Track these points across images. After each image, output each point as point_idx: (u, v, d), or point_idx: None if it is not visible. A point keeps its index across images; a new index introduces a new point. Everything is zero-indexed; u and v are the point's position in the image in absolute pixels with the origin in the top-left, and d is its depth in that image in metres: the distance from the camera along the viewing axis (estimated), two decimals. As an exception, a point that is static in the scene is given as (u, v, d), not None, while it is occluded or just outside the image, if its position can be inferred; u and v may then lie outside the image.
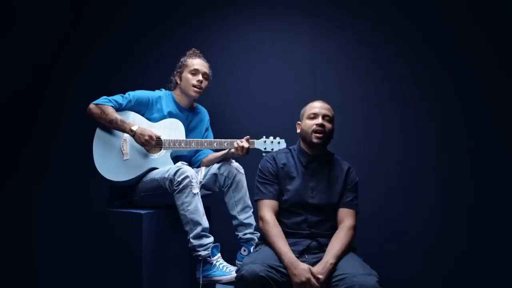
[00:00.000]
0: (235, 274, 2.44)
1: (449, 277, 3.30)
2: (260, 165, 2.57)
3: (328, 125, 2.52)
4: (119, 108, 2.85)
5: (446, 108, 3.44)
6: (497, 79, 3.40)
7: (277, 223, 2.40)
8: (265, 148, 2.88)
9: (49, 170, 3.73)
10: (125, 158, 2.82)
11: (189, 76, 2.96)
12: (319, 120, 2.49)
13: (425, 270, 3.32)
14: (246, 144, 2.82)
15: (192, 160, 3.03)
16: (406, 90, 3.49)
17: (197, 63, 3.00)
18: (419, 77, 3.48)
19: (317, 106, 2.55)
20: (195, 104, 3.12)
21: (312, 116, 2.52)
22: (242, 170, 2.87)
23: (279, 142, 2.90)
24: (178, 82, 3.00)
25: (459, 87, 3.44)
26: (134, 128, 2.79)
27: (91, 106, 2.81)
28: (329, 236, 2.40)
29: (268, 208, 2.44)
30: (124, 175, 2.80)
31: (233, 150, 2.83)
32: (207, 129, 3.11)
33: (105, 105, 2.81)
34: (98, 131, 2.85)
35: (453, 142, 3.40)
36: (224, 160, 2.91)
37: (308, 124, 2.51)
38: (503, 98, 3.37)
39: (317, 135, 2.48)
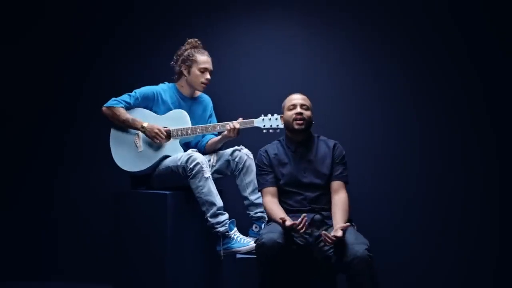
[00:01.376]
0: (253, 244, 2.78)
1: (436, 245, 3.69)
2: (256, 160, 2.93)
3: (306, 113, 2.85)
4: (128, 107, 3.11)
5: (435, 102, 3.76)
6: (495, 78, 3.70)
7: (273, 202, 2.78)
8: (264, 126, 3.09)
9: (79, 161, 4.13)
10: (139, 150, 3.11)
11: (198, 73, 3.16)
12: (298, 109, 2.84)
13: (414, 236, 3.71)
14: (237, 125, 3.07)
15: (197, 146, 3.28)
16: (397, 80, 3.81)
17: (206, 60, 3.19)
18: (408, 67, 3.81)
19: (295, 98, 2.90)
20: (198, 93, 3.33)
21: (291, 107, 2.86)
22: (251, 156, 3.14)
23: (276, 118, 3.09)
24: (186, 75, 3.19)
25: (451, 80, 3.74)
26: (144, 124, 3.07)
27: (103, 109, 3.09)
28: (329, 209, 2.74)
29: (267, 194, 2.81)
30: (140, 165, 3.10)
31: (226, 132, 3.09)
32: (210, 115, 3.34)
33: (116, 107, 3.08)
34: (113, 130, 3.16)
35: (444, 134, 3.75)
36: (223, 143, 3.19)
37: (288, 115, 2.86)
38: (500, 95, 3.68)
39: (298, 122, 2.81)
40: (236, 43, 3.98)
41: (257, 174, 2.91)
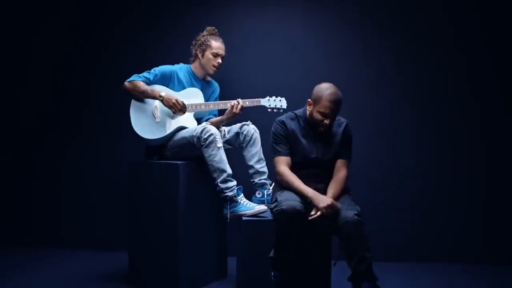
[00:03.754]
0: (258, 208, 3.11)
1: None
2: (273, 129, 3.04)
3: (332, 121, 2.94)
4: (148, 82, 3.40)
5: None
6: (494, 78, 4.06)
7: (290, 172, 2.96)
8: (269, 105, 3.47)
9: (95, 132, 4.38)
10: (157, 120, 3.40)
11: (211, 57, 3.51)
12: (327, 122, 2.91)
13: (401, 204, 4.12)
14: (241, 102, 3.39)
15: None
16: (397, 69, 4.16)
17: (219, 46, 3.54)
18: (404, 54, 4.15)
19: (330, 108, 2.87)
20: (209, 78, 3.67)
21: (322, 114, 2.88)
22: (257, 131, 3.47)
23: (280, 100, 3.48)
24: (200, 58, 3.53)
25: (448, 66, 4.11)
26: (162, 94, 3.37)
27: (126, 83, 3.37)
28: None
29: (283, 163, 2.98)
30: (158, 133, 3.38)
31: (229, 108, 3.39)
32: (216, 99, 3.69)
33: (137, 80, 3.37)
34: (133, 101, 3.42)
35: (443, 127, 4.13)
36: (225, 121, 3.49)
37: (317, 117, 2.90)
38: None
39: (322, 129, 2.94)
40: (242, 28, 4.25)
41: (273, 142, 3.02)
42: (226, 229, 3.57)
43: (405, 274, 3.72)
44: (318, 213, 2.73)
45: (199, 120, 3.54)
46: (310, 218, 2.75)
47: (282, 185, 3.01)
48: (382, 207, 4.06)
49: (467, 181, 4.06)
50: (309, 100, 2.98)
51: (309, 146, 3.01)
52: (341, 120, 3.09)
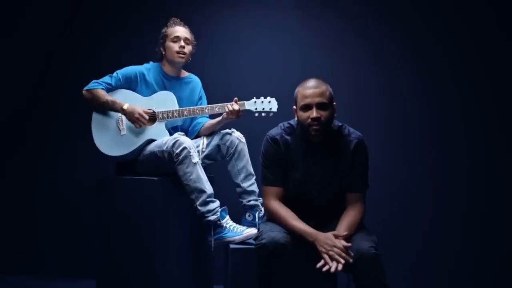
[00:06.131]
0: (248, 233, 2.63)
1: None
2: (263, 148, 2.47)
3: (324, 113, 2.30)
4: (110, 89, 2.93)
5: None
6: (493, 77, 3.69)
7: (283, 206, 2.38)
8: (256, 109, 2.93)
9: (62, 147, 3.98)
10: (122, 134, 2.91)
11: (171, 44, 3.01)
12: (314, 113, 2.28)
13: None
14: (236, 106, 2.89)
15: (190, 130, 3.11)
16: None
17: (178, 30, 3.05)
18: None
19: (309, 95, 2.31)
20: (186, 74, 3.17)
21: (304, 107, 2.31)
22: (243, 139, 2.96)
23: (269, 101, 2.93)
24: (163, 52, 3.06)
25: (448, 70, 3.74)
26: (125, 107, 2.88)
27: (83, 92, 2.91)
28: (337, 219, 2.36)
29: (273, 194, 2.41)
30: (122, 149, 2.90)
31: (225, 114, 2.92)
32: (200, 98, 3.17)
33: (96, 88, 2.89)
34: (94, 113, 2.96)
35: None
36: (222, 125, 3.00)
37: (303, 116, 2.32)
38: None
39: (314, 127, 2.30)
40: (227, 24, 3.86)
41: (262, 165, 2.46)
42: (211, 254, 3.10)
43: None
44: (330, 263, 2.14)
45: (177, 129, 3.04)
46: (318, 267, 2.17)
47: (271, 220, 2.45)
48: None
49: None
50: (294, 107, 2.44)
51: (310, 171, 2.41)
52: (352, 135, 2.42)
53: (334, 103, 2.39)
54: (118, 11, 3.92)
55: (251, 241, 2.61)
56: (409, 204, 3.67)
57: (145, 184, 2.81)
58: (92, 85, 2.90)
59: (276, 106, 2.93)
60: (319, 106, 2.29)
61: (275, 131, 2.48)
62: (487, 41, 3.68)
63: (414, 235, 3.65)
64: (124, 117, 2.91)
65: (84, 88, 2.91)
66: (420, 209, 3.67)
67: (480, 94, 3.69)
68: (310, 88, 2.32)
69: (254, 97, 2.96)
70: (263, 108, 2.93)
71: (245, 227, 2.73)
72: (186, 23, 3.14)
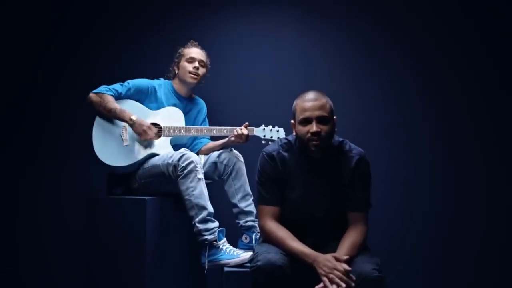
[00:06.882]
0: (244, 257, 2.51)
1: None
2: (259, 165, 2.33)
3: (324, 128, 2.19)
4: (118, 97, 2.86)
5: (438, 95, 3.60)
6: (492, 78, 3.60)
7: (280, 226, 2.23)
8: (264, 136, 2.93)
9: (45, 161, 3.66)
10: (124, 144, 2.82)
11: (186, 64, 3.02)
12: (313, 128, 2.17)
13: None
14: (245, 131, 2.86)
15: (190, 149, 3.02)
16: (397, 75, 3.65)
17: (194, 51, 3.07)
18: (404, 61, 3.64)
19: (308, 108, 2.19)
20: (194, 95, 3.17)
21: (304, 121, 2.20)
22: (241, 158, 2.91)
23: (278, 131, 2.96)
24: (176, 71, 3.07)
25: (449, 76, 3.61)
26: (133, 117, 2.80)
27: (91, 95, 2.82)
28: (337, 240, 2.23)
29: (269, 214, 2.26)
30: (123, 160, 2.80)
31: (233, 138, 2.88)
32: (204, 119, 3.15)
33: (105, 93, 2.82)
34: (98, 118, 2.85)
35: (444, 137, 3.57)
36: (224, 148, 2.95)
37: (302, 131, 2.21)
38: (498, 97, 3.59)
39: (314, 142, 2.18)
40: (231, 42, 3.73)
41: (258, 183, 2.32)
42: (205, 278, 2.94)
43: None
44: (329, 286, 1.99)
45: (179, 147, 2.93)
46: None
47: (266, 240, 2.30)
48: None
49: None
50: (292, 121, 2.32)
51: (308, 189, 2.28)
52: (353, 151, 2.30)
53: (335, 117, 2.30)
54: (118, 11, 3.77)
55: (247, 264, 2.44)
56: (414, 225, 3.45)
57: (136, 203, 2.68)
58: (102, 89, 2.83)
59: (284, 136, 2.92)
60: (319, 120, 2.18)
61: (271, 147, 2.36)
62: (488, 49, 3.61)
63: (418, 258, 3.43)
64: (128, 128, 2.84)
65: (93, 91, 2.82)
66: (426, 231, 3.45)
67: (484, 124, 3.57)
68: (310, 101, 2.21)
69: (263, 125, 2.96)
70: (271, 136, 2.95)
71: (242, 250, 2.62)
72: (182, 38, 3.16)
